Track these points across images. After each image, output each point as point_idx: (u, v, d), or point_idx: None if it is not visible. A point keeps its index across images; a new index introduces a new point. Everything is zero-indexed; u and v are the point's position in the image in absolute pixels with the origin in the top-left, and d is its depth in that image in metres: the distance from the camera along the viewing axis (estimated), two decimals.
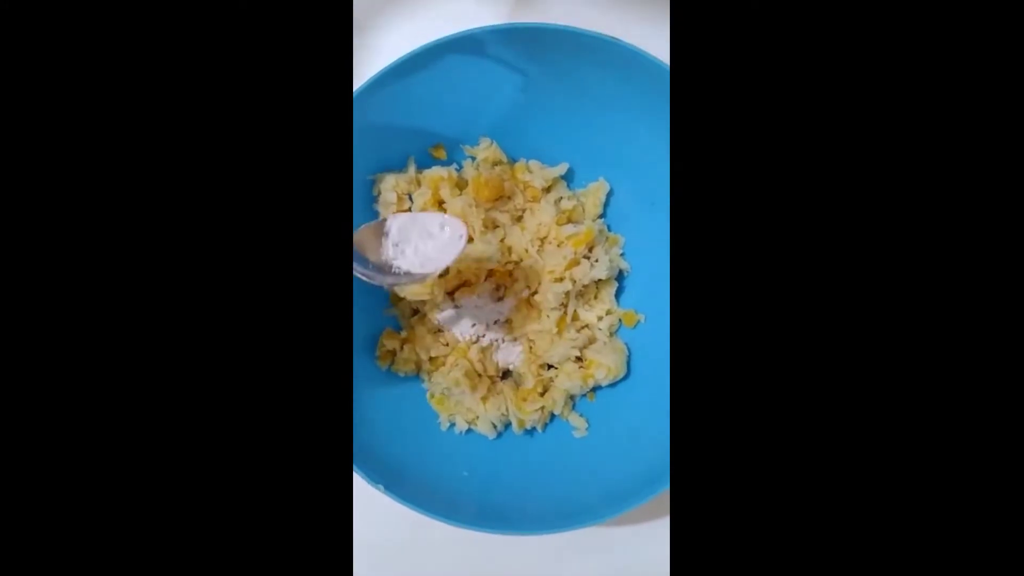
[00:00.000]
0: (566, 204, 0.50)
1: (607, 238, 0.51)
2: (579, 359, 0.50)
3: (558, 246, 0.49)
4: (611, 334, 0.50)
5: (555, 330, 0.49)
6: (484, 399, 0.48)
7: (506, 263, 0.49)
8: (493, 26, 0.43)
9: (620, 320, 0.51)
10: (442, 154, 0.49)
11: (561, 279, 0.48)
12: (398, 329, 0.50)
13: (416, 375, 0.50)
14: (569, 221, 0.50)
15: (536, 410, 0.48)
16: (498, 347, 0.50)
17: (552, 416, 0.50)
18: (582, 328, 0.50)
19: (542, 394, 0.49)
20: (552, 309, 0.49)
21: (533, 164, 0.50)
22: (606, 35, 0.43)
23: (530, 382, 0.49)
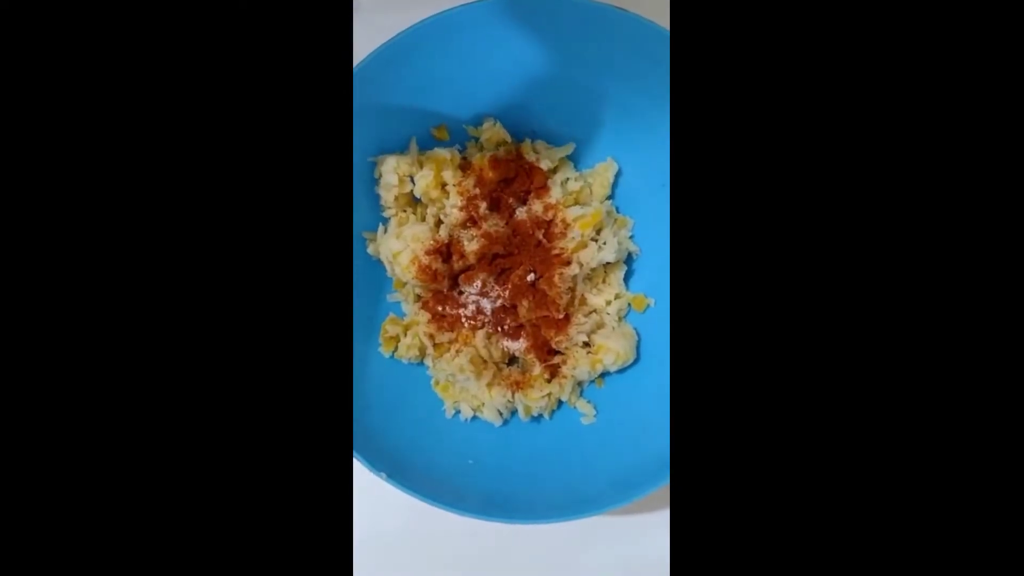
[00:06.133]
0: (573, 185, 0.48)
1: (615, 220, 0.49)
2: (587, 344, 0.48)
3: (565, 228, 0.47)
4: (620, 319, 0.49)
5: (562, 315, 0.48)
6: (490, 386, 0.47)
7: (511, 246, 0.48)
8: None
9: (629, 304, 0.50)
10: (445, 135, 0.48)
11: (568, 262, 0.47)
12: (402, 315, 0.49)
13: (420, 362, 0.49)
14: (576, 203, 0.49)
15: (543, 396, 0.47)
16: (504, 332, 0.49)
17: (559, 403, 0.49)
18: (590, 313, 0.49)
19: (549, 380, 0.48)
20: (559, 293, 0.47)
21: (539, 144, 0.49)
22: (613, 6, 0.41)
23: (537, 368, 0.48)
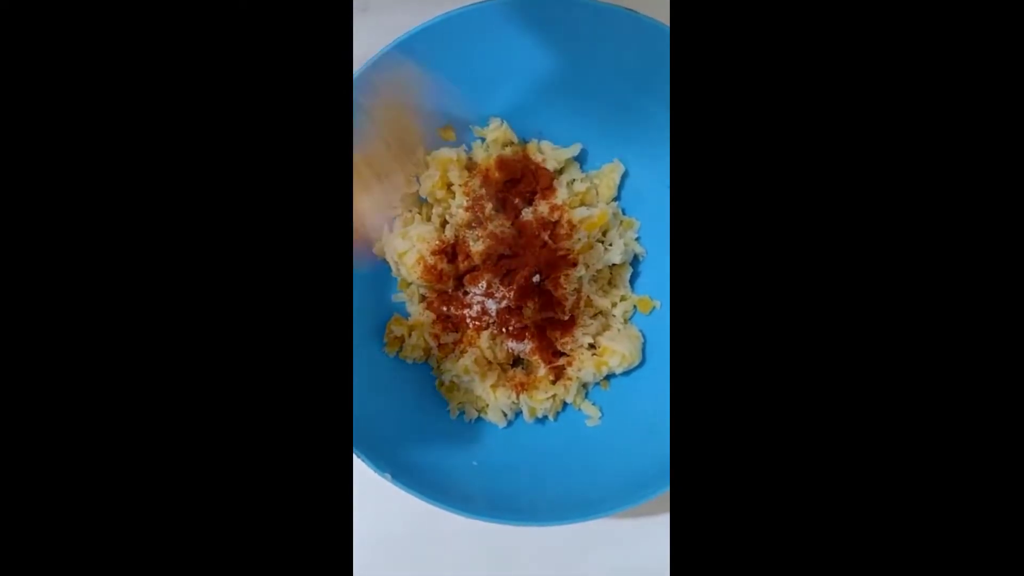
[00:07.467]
0: (579, 186, 0.48)
1: (622, 221, 0.49)
2: (592, 346, 0.48)
3: (571, 230, 0.47)
4: (626, 321, 0.49)
5: (568, 316, 0.47)
6: (494, 387, 0.47)
7: (517, 247, 0.48)
8: None
9: (635, 306, 0.49)
10: (451, 135, 0.48)
11: (574, 264, 0.47)
12: (406, 315, 0.49)
13: (425, 362, 0.49)
14: (582, 204, 0.48)
15: (548, 398, 0.47)
16: (509, 334, 0.48)
17: (564, 405, 0.49)
18: (596, 315, 0.49)
19: (554, 382, 0.48)
20: (565, 295, 0.47)
21: (545, 145, 0.48)
22: (621, 7, 0.41)
23: (542, 370, 0.47)
